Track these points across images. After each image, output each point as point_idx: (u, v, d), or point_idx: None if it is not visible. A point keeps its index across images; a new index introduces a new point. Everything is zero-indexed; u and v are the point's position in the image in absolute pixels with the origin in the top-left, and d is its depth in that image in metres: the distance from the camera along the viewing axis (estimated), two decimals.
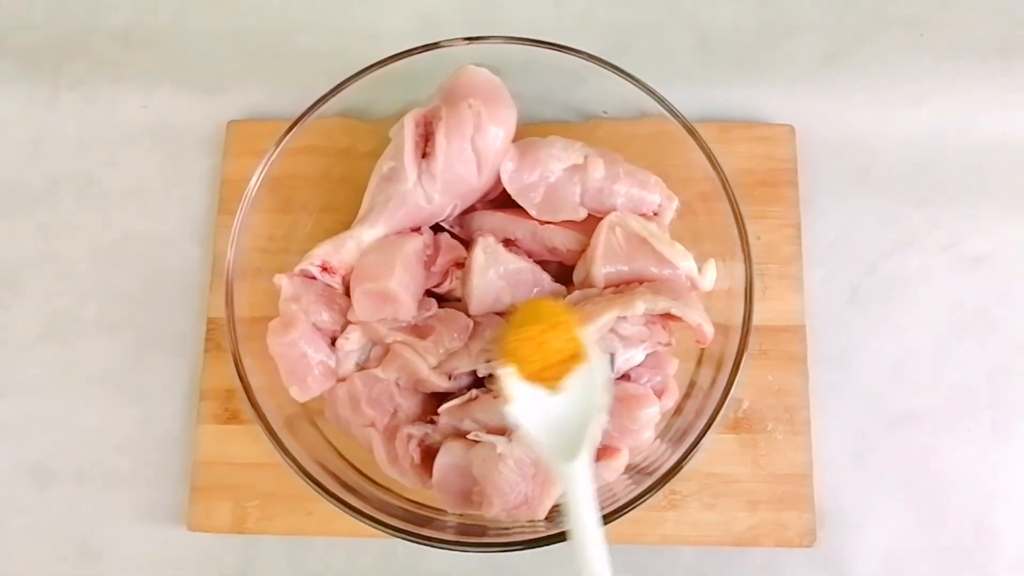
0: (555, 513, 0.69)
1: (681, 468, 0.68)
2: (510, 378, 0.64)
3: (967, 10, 0.90)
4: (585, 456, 0.61)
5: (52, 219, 0.87)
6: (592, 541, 0.59)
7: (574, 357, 0.64)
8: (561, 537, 0.66)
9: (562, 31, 0.77)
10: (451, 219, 0.77)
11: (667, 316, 0.71)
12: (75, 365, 0.83)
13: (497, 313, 0.73)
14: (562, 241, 0.75)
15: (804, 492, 0.77)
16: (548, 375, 0.64)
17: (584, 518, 0.59)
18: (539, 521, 0.68)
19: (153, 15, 0.93)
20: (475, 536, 0.69)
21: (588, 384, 0.64)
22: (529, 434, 0.63)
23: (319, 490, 0.68)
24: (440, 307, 0.75)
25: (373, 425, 0.71)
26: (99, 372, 0.83)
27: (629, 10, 0.92)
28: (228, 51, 0.91)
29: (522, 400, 0.64)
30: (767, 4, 0.91)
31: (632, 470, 0.71)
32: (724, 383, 0.69)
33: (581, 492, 0.60)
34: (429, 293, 0.75)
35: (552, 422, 0.63)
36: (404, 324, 0.73)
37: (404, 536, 0.67)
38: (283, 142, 0.75)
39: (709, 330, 0.71)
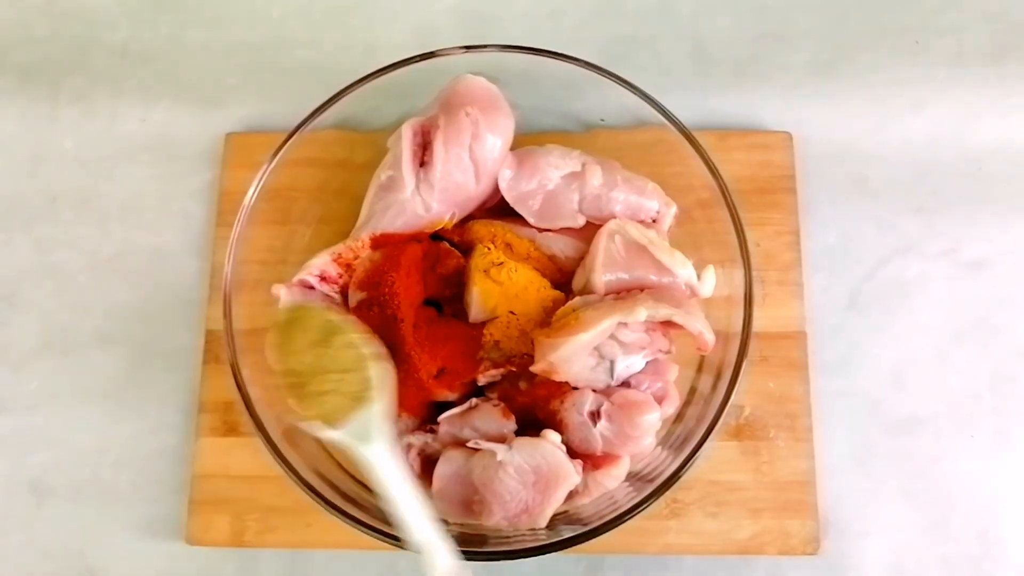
0: (556, 521, 0.69)
1: (682, 475, 0.67)
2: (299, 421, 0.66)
3: (962, 16, 0.90)
4: (379, 437, 0.64)
5: (51, 233, 0.87)
6: (412, 511, 0.63)
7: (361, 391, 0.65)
8: (563, 545, 0.66)
9: (559, 43, 0.77)
10: (450, 227, 0.77)
11: (668, 323, 0.71)
12: (73, 379, 0.83)
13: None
14: (561, 248, 0.75)
15: (807, 499, 0.77)
16: (337, 415, 0.64)
17: (396, 492, 0.63)
18: (540, 529, 0.68)
19: (151, 30, 0.93)
20: (476, 545, 0.68)
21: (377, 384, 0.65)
22: (324, 436, 0.65)
23: (319, 501, 0.68)
24: (440, 315, 0.75)
25: None
26: (97, 386, 0.83)
27: (625, 21, 0.92)
28: (226, 65, 0.92)
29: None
30: (763, 13, 0.91)
31: (633, 477, 0.71)
32: (725, 389, 0.69)
33: (386, 469, 0.63)
34: (429, 302, 0.75)
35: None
36: None
37: (405, 546, 0.66)
38: (279, 154, 0.75)
39: (710, 338, 0.71)
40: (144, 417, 0.82)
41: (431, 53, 0.76)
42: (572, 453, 0.69)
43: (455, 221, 0.76)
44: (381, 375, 0.65)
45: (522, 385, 0.72)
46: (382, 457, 0.64)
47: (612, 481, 0.70)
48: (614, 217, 0.74)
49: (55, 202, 0.88)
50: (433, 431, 0.71)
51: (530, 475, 0.67)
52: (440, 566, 0.61)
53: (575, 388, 0.71)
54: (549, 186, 0.75)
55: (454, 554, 0.62)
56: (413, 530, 0.62)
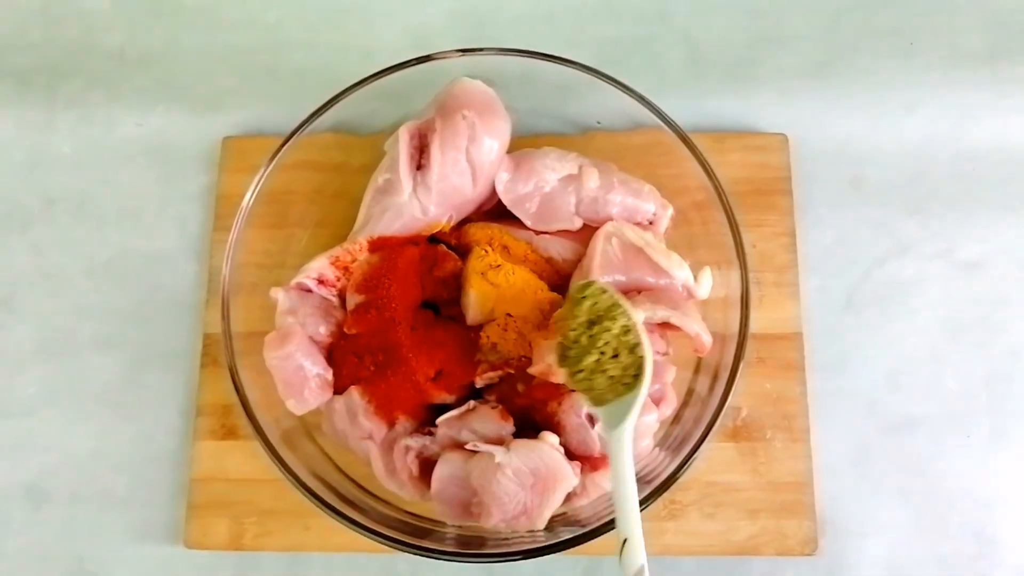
0: (555, 523, 0.69)
1: (679, 476, 0.68)
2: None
3: (956, 18, 0.90)
4: (630, 423, 0.64)
5: (48, 238, 0.87)
6: (630, 501, 0.62)
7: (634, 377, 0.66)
8: (562, 546, 0.66)
9: (555, 45, 0.77)
10: (447, 230, 0.77)
11: (665, 325, 0.71)
12: (71, 383, 0.83)
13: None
14: (558, 251, 0.76)
15: (804, 500, 0.77)
16: (609, 396, 0.66)
17: (626, 477, 0.63)
18: (538, 531, 0.68)
19: (148, 34, 0.94)
20: (475, 547, 0.68)
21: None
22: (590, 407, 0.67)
23: (318, 503, 0.68)
24: (438, 318, 0.75)
25: (371, 437, 0.71)
26: (95, 390, 0.83)
27: (621, 24, 0.93)
28: (223, 68, 0.92)
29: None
30: (758, 16, 0.92)
31: None
32: (722, 391, 0.69)
33: (623, 455, 0.64)
34: (426, 304, 0.75)
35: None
36: None
37: (404, 548, 0.67)
38: (276, 158, 0.75)
39: (707, 339, 0.71)
40: (142, 421, 0.82)
41: (427, 56, 0.76)
42: (570, 455, 0.69)
43: (452, 224, 0.76)
44: (647, 366, 0.66)
45: (520, 387, 0.72)
46: (623, 442, 0.64)
47: (610, 483, 0.70)
48: (611, 219, 0.74)
49: (52, 206, 0.88)
50: (431, 433, 0.71)
51: (528, 477, 0.67)
52: (633, 563, 0.61)
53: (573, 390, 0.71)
54: (546, 188, 0.75)
55: (646, 556, 0.62)
56: (623, 519, 0.62)
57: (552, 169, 0.75)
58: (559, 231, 0.76)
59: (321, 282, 0.74)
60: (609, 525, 0.67)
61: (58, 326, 0.85)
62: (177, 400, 0.82)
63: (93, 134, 0.90)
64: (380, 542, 0.67)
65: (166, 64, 0.93)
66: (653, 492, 0.67)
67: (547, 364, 0.68)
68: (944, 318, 0.83)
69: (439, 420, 0.71)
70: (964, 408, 0.81)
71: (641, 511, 0.66)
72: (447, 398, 0.72)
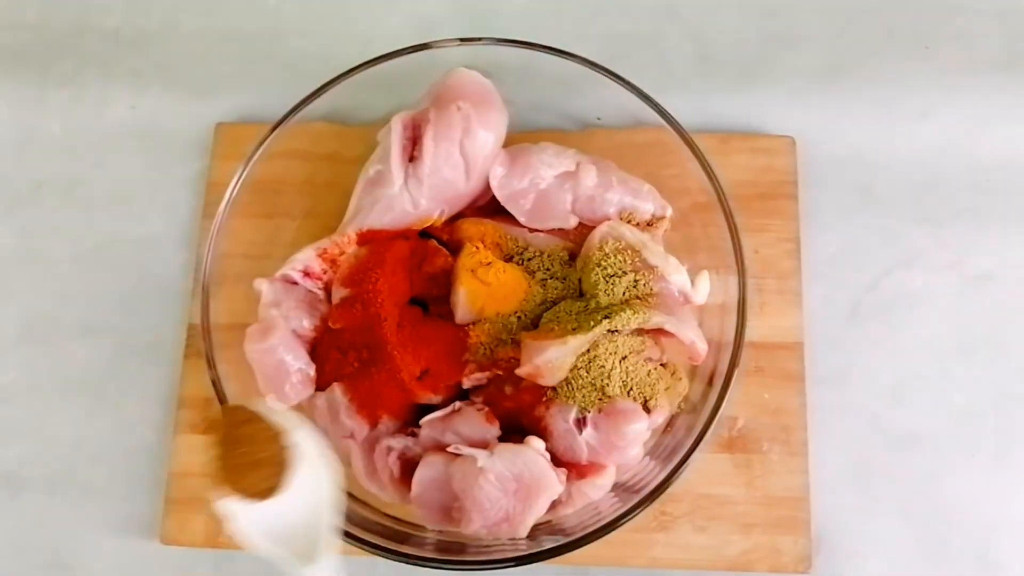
0: (538, 531, 0.67)
1: (668, 486, 0.65)
2: (224, 502, 0.59)
3: (973, 24, 0.88)
4: (325, 558, 0.57)
5: (35, 220, 0.86)
6: None
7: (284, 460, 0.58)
8: (544, 555, 0.64)
9: (560, 39, 0.76)
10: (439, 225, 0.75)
11: (659, 331, 0.69)
12: (51, 370, 0.81)
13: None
14: None
15: (800, 516, 0.74)
16: (261, 484, 0.58)
17: None
18: (520, 540, 0.66)
19: (145, 16, 0.92)
20: (455, 554, 0.67)
21: (314, 481, 0.58)
22: (259, 547, 0.58)
23: None
24: (426, 315, 0.73)
25: (352, 436, 0.69)
26: (76, 378, 0.81)
27: (628, 19, 0.91)
28: (219, 53, 0.90)
29: (243, 516, 0.58)
30: (769, 15, 0.89)
31: (619, 488, 0.69)
32: (715, 399, 0.67)
33: None
34: (415, 301, 0.73)
35: (281, 528, 0.58)
36: None
37: (381, 553, 0.65)
38: (264, 145, 0.74)
39: (702, 347, 0.69)
40: (123, 411, 0.80)
41: (424, 45, 0.75)
42: (556, 461, 0.67)
43: (444, 219, 0.74)
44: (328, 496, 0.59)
45: (508, 389, 0.70)
46: None
47: (597, 491, 0.68)
48: (608, 219, 0.72)
49: (40, 188, 0.87)
50: (414, 434, 0.69)
51: (511, 483, 0.65)
52: None
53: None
54: (542, 185, 0.73)
55: None
56: None
57: (549, 165, 0.73)
58: (554, 229, 0.74)
59: (307, 274, 0.72)
60: (594, 535, 0.65)
61: (42, 311, 0.83)
62: (160, 391, 0.80)
63: (84, 115, 0.89)
64: (357, 546, 0.65)
65: (162, 47, 0.91)
66: (642, 501, 0.65)
67: (535, 365, 0.66)
68: (952, 332, 0.80)
69: (423, 421, 0.69)
70: (970, 426, 0.78)
71: (627, 521, 0.65)
72: (433, 398, 0.70)
